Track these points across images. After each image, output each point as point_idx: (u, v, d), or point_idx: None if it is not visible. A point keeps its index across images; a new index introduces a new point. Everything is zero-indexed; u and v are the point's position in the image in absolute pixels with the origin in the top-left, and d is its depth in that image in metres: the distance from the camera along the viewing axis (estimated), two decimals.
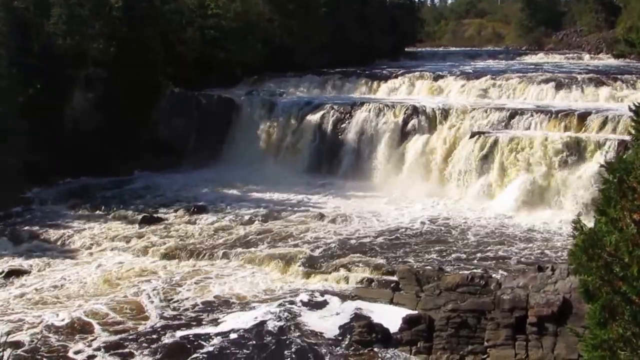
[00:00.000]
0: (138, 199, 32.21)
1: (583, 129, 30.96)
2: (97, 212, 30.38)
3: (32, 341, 18.50)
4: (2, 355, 5.22)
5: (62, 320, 19.88)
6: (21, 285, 22.70)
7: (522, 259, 23.54)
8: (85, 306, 20.78)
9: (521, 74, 40.79)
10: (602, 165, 6.96)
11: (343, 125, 36.49)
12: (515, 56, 60.80)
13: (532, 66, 49.10)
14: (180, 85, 39.56)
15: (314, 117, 37.37)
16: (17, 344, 18.18)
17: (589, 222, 7.09)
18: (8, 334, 18.01)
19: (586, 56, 58.34)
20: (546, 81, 38.07)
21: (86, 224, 28.77)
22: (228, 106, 39.51)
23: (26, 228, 28.42)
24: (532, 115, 32.66)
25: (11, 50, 31.65)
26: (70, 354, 17.95)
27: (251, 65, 43.44)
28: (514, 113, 33.17)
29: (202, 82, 40.84)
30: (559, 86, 37.06)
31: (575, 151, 29.49)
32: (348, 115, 36.69)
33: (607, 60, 54.72)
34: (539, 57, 58.89)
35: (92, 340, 18.70)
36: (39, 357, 17.74)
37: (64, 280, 23.14)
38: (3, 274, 23.55)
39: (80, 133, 34.67)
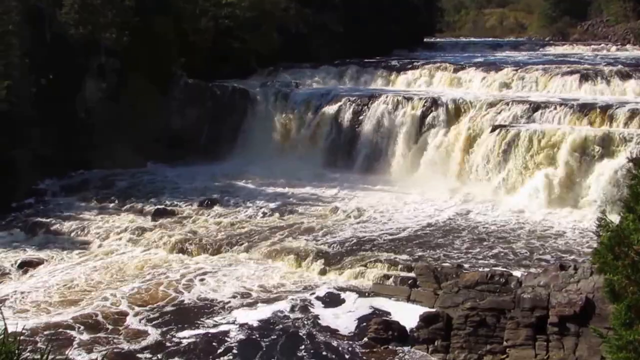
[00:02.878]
0: (151, 191, 32.03)
1: (609, 123, 30.04)
2: (110, 204, 30.27)
3: (52, 332, 18.52)
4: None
5: (71, 314, 19.78)
6: (37, 277, 22.77)
7: (543, 257, 23.02)
8: (98, 299, 20.74)
9: (545, 66, 39.76)
10: (630, 160, 6.50)
11: (360, 118, 35.87)
12: (539, 47, 59.66)
13: (557, 57, 47.98)
14: (194, 75, 39.19)
15: (330, 109, 36.77)
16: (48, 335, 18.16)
17: (614, 219, 6.81)
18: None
19: (612, 47, 57.01)
20: (570, 73, 37.07)
21: (98, 216, 28.75)
22: (242, 97, 39.05)
23: (38, 220, 28.46)
24: (555, 109, 31.81)
25: (23, 39, 31.42)
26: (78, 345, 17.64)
27: (266, 56, 42.88)
28: (537, 106, 32.34)
29: (216, 73, 40.46)
30: (583, 78, 36.04)
31: (600, 146, 28.62)
32: (365, 107, 36.05)
33: (634, 52, 53.46)
34: (563, 48, 57.75)
35: (104, 332, 18.64)
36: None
37: (75, 272, 23.14)
38: (16, 265, 23.74)
39: (92, 124, 34.44)
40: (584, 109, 31.07)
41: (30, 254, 24.93)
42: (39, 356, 4.92)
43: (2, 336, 4.69)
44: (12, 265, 23.83)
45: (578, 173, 28.48)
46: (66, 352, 17.20)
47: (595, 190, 27.57)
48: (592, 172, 28.16)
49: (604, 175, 27.63)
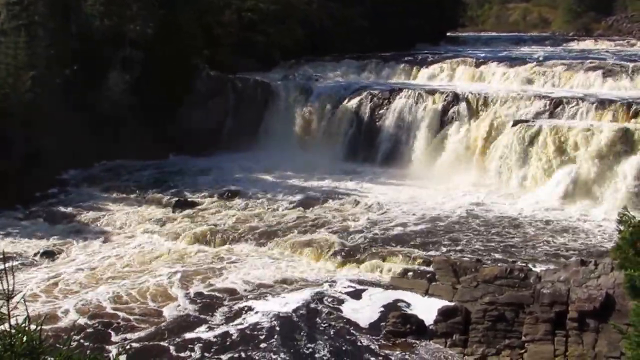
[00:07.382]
0: (172, 183, 32.23)
1: (632, 119, 29.68)
2: (132, 195, 30.50)
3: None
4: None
5: (90, 303, 19.96)
6: (59, 266, 23.03)
7: (563, 253, 22.85)
8: (119, 289, 20.92)
9: (567, 61, 39.34)
10: None
11: (381, 112, 35.82)
12: (562, 42, 59.03)
13: (581, 53, 47.39)
14: (217, 68, 39.33)
15: (351, 103, 36.76)
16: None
17: (636, 215, 6.74)
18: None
19: (637, 43, 56.17)
20: (593, 69, 36.67)
21: (121, 207, 28.96)
22: (264, 90, 39.16)
23: (61, 210, 28.72)
24: (577, 104, 31.48)
25: (49, 31, 31.77)
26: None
27: (289, 49, 42.88)
28: (559, 102, 32.05)
29: (239, 66, 40.54)
30: (606, 74, 35.63)
31: (623, 142, 28.28)
32: (386, 101, 35.98)
33: None
34: (586, 44, 57.04)
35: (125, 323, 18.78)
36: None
37: (96, 262, 23.39)
38: (39, 254, 23.99)
39: (116, 115, 34.73)
40: (607, 105, 30.74)
41: (53, 243, 25.20)
42: (60, 345, 4.95)
43: (25, 325, 4.69)
44: (35, 254, 24.07)
45: (600, 169, 28.16)
46: (85, 342, 17.46)
47: (617, 186, 27.32)
48: (614, 168, 27.85)
49: (626, 171, 27.37)
